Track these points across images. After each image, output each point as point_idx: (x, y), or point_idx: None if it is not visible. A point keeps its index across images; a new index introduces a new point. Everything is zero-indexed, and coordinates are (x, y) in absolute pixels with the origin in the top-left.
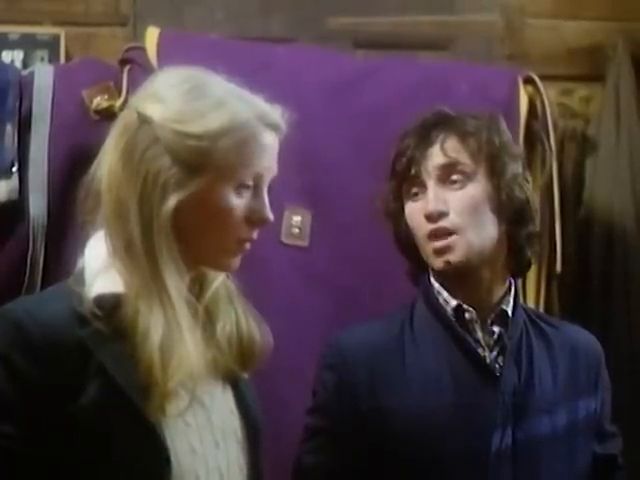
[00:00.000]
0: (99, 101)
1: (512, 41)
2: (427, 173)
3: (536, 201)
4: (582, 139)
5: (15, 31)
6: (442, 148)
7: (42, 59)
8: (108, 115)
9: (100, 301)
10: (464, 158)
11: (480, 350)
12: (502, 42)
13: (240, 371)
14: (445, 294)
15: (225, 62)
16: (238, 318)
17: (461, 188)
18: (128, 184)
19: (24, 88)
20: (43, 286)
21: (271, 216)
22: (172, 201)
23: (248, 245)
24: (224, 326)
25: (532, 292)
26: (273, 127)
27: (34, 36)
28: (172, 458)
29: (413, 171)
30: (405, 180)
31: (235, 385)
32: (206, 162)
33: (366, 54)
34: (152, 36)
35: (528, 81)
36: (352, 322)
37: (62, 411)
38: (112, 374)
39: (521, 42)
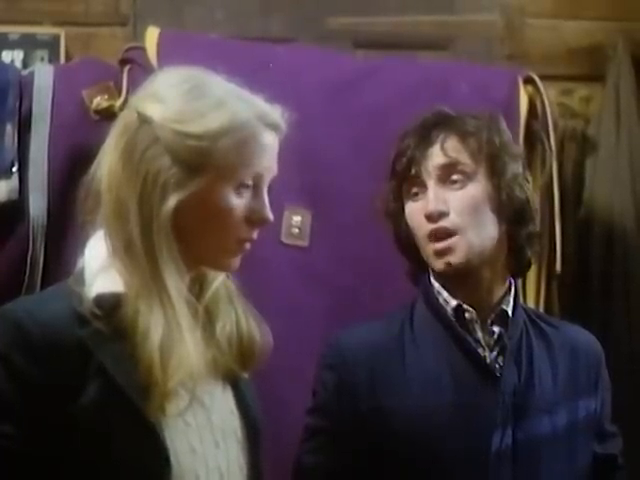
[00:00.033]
0: (99, 101)
1: (512, 41)
2: (427, 173)
3: (536, 201)
4: (582, 139)
5: (15, 31)
6: (442, 148)
7: (42, 59)
8: (108, 115)
9: (100, 301)
10: (464, 158)
11: (480, 350)
12: (502, 42)
13: (240, 371)
14: (445, 294)
15: (225, 62)
16: (238, 318)
17: (461, 188)
18: (128, 184)
19: (24, 88)
20: (43, 286)
21: (271, 216)
22: (172, 201)
23: (248, 245)
24: (224, 326)
25: (532, 292)
26: (273, 127)
27: (34, 36)
28: (172, 458)
29: (413, 171)
30: (405, 180)
31: (235, 385)
32: (206, 162)
33: (366, 54)
34: (152, 36)
35: (528, 81)
36: (352, 322)
37: (62, 411)
38: (112, 374)
39: (521, 42)
